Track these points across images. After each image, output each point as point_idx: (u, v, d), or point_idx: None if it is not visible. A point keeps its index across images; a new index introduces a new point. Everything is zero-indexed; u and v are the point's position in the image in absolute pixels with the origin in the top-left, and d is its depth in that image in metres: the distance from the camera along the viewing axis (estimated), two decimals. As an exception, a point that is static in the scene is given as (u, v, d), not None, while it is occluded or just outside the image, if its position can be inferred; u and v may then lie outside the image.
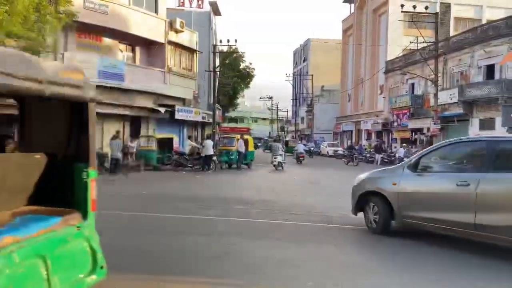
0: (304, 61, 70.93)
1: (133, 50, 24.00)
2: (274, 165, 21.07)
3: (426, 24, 32.21)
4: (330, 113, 53.64)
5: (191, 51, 26.99)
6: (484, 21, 34.16)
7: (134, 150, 18.31)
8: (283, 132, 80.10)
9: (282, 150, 21.71)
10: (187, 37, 26.34)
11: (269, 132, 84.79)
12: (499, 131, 21.74)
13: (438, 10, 35.17)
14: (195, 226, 6.93)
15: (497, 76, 24.73)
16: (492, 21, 27.30)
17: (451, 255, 5.38)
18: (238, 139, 21.03)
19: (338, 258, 5.24)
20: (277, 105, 73.91)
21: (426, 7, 27.06)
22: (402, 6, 25.31)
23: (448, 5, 38.63)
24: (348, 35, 52.13)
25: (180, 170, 18.43)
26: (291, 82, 65.82)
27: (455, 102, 27.01)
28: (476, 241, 5.45)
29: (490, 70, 25.70)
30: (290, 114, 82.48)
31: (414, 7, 25.05)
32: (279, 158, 21.02)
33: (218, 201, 9.72)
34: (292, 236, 6.37)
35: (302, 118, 65.80)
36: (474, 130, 25.28)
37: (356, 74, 47.76)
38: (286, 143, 38.93)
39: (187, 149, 19.65)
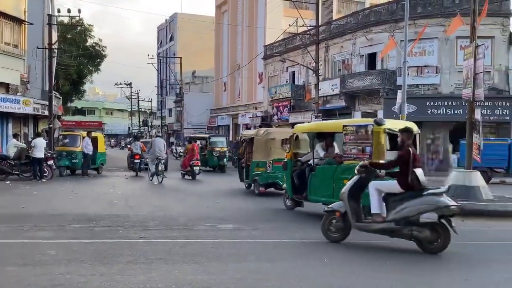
0: (171, 40, 70.49)
1: None
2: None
3: (308, 5, 34.44)
4: (204, 105, 54.50)
5: (17, 21, 24.87)
6: (367, 5, 37.81)
7: None
8: (146, 127, 78.67)
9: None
10: (12, 3, 24.32)
11: (129, 128, 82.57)
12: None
13: (319, -11, 37.91)
14: (17, 253, 6.57)
15: (378, 66, 27.74)
16: (374, 6, 30.57)
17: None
18: (83, 137, 20.84)
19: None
20: (137, 93, 72.27)
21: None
22: (279, -18, 26.77)
23: (330, -16, 41.93)
24: (222, 12, 53.31)
25: (2, 180, 17.66)
26: (155, 65, 64.39)
27: (337, 94, 29.58)
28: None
29: (372, 59, 28.66)
30: (155, 104, 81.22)
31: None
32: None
33: (52, 219, 9.42)
34: (143, 256, 6.38)
35: (170, 110, 65.43)
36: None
37: (232, 59, 49.15)
38: None
39: (11, 152, 18.47)
